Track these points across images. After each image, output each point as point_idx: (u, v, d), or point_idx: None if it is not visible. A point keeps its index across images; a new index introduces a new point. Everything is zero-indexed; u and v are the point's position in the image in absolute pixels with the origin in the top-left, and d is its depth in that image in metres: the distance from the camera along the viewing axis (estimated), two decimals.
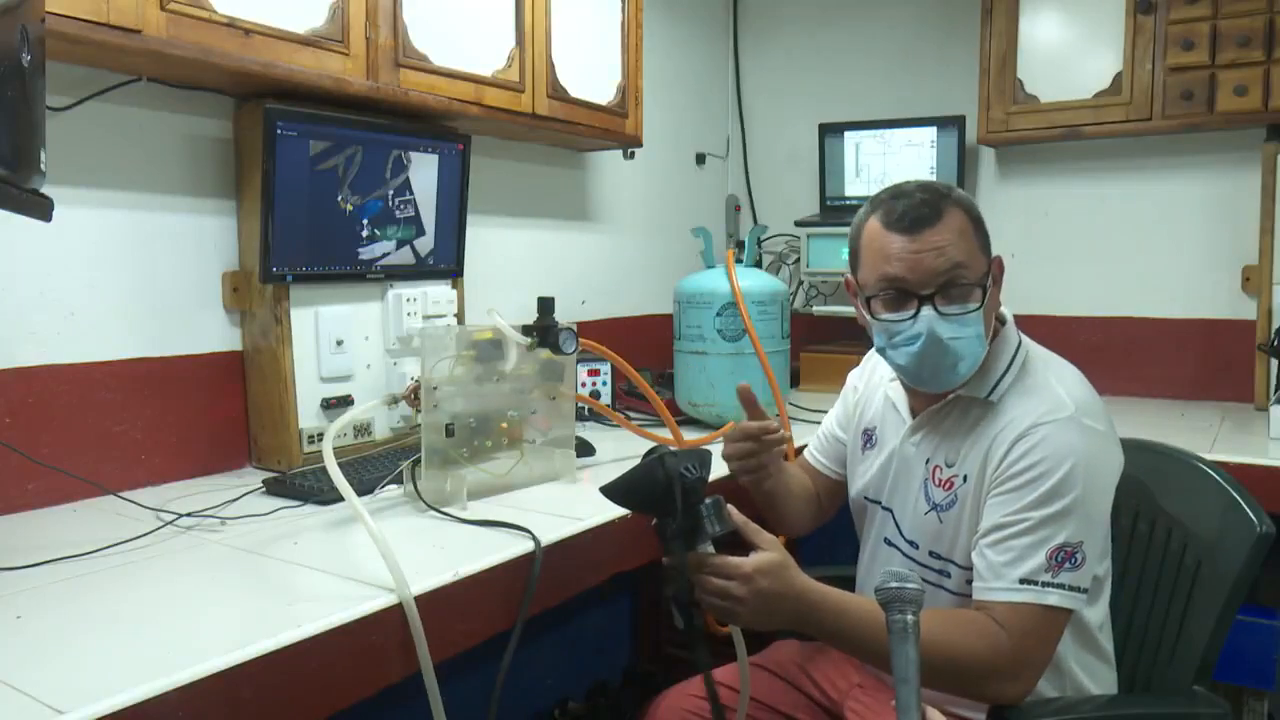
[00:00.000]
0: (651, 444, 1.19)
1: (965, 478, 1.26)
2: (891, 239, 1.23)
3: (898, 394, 1.41)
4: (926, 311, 1.22)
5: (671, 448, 1.11)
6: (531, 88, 2.05)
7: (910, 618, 0.86)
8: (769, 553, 1.11)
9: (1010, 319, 1.33)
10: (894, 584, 0.88)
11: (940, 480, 1.30)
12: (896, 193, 1.26)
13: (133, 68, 1.52)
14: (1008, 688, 1.14)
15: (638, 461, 1.12)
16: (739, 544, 1.13)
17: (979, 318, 1.23)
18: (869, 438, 1.47)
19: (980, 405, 1.28)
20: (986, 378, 1.28)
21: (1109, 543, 1.27)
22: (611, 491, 1.13)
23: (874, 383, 1.50)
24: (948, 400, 1.32)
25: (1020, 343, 1.31)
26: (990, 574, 1.17)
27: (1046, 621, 1.15)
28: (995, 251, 1.28)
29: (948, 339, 1.22)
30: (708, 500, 1.09)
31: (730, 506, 1.12)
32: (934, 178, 2.76)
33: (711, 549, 1.11)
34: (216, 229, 1.72)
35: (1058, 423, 1.19)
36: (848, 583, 1.54)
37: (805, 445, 1.68)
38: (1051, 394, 1.23)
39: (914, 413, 1.37)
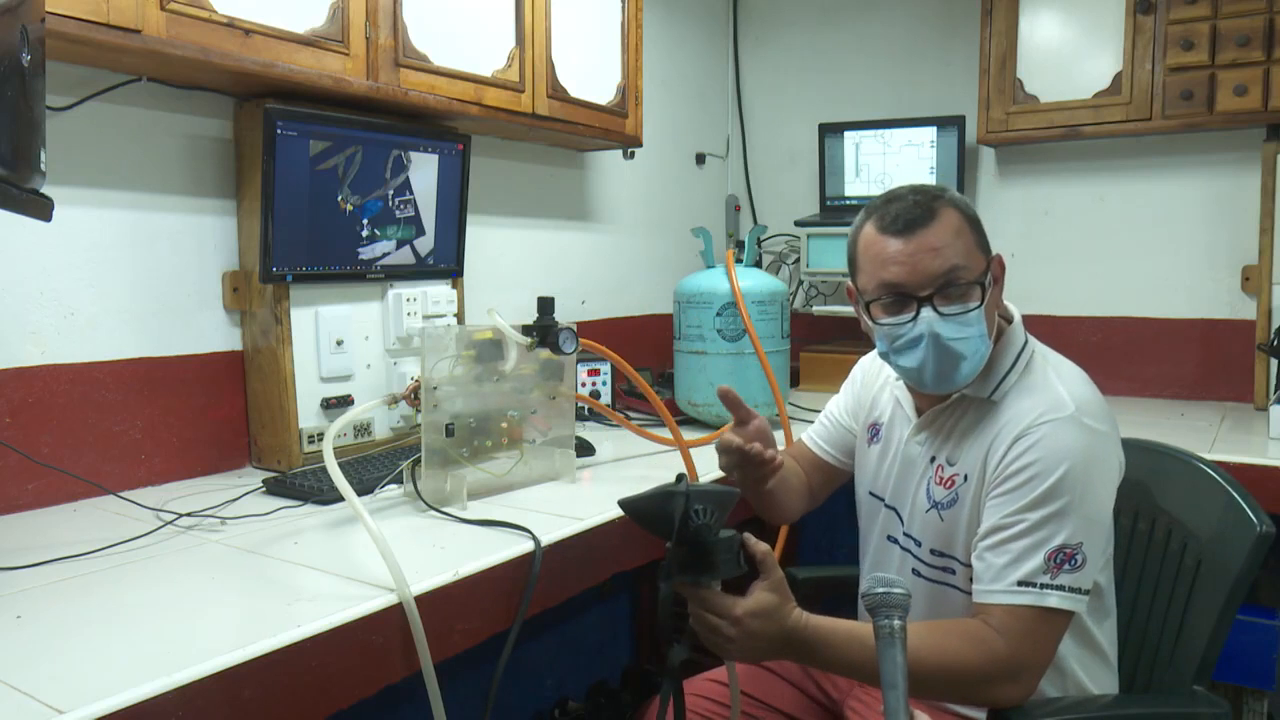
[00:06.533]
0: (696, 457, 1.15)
1: (966, 477, 1.26)
2: (887, 242, 1.23)
3: (903, 393, 1.41)
4: (926, 313, 1.21)
5: (699, 484, 1.08)
6: (531, 88, 2.05)
7: (896, 623, 0.86)
8: (764, 595, 1.09)
9: (1018, 317, 1.33)
10: (880, 589, 0.88)
11: (942, 479, 1.30)
12: (890, 197, 1.27)
13: (133, 68, 1.52)
14: (1006, 692, 1.14)
15: (667, 481, 1.09)
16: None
17: (980, 316, 1.22)
18: (875, 432, 1.47)
19: (984, 404, 1.28)
20: (990, 377, 1.28)
21: (1112, 544, 1.27)
22: (627, 506, 1.12)
23: (883, 377, 1.49)
24: (952, 400, 1.31)
25: (1026, 341, 1.31)
26: (989, 576, 1.17)
27: (1046, 624, 1.14)
28: (995, 251, 1.28)
29: (948, 339, 1.21)
30: (724, 538, 1.07)
31: (750, 538, 1.10)
32: (934, 178, 2.77)
33: (717, 585, 1.10)
34: (216, 229, 1.72)
35: (1057, 422, 1.18)
36: (848, 582, 1.55)
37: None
38: (1052, 392, 1.22)
39: (919, 412, 1.37)
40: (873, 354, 1.56)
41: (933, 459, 1.33)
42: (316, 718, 1.02)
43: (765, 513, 1.52)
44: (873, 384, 1.51)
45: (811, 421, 1.64)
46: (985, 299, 1.23)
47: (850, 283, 1.34)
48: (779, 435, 1.98)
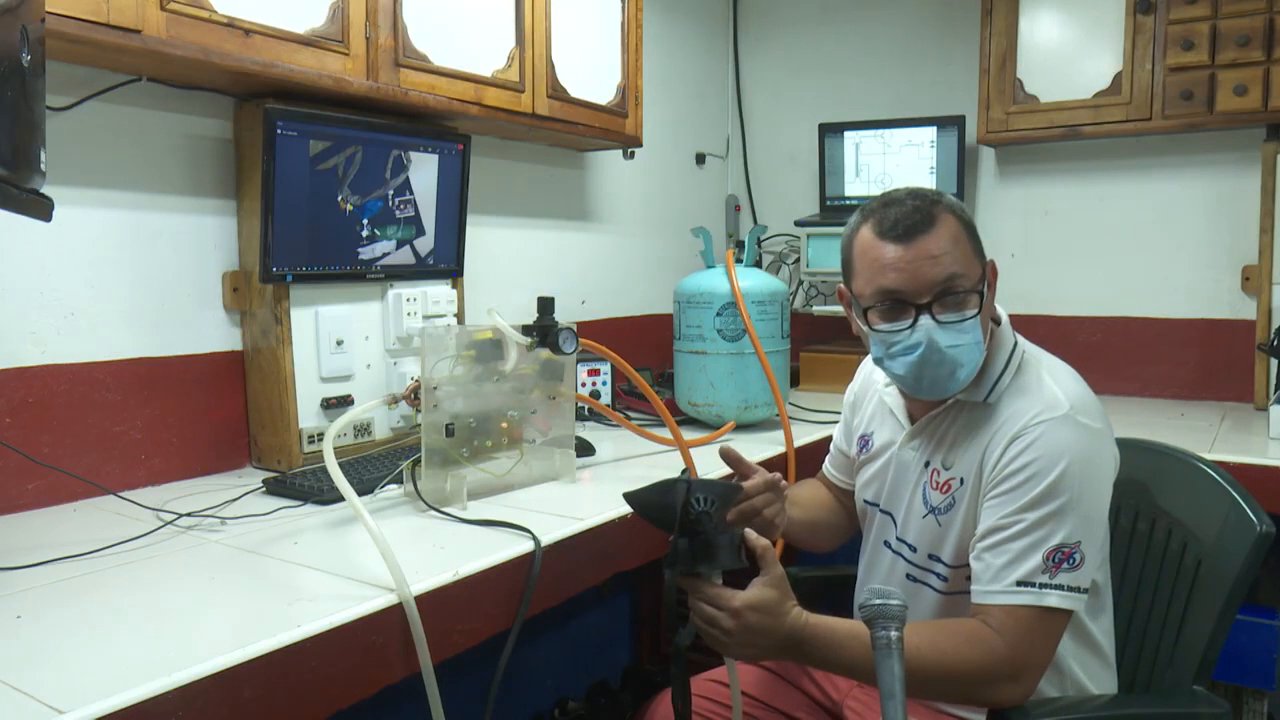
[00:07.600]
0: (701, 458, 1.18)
1: (962, 480, 1.26)
2: (885, 248, 1.21)
3: (895, 400, 1.41)
4: (924, 321, 1.21)
5: (702, 477, 1.10)
6: (531, 88, 2.05)
7: (894, 634, 0.86)
8: (764, 589, 1.09)
9: (1006, 319, 1.33)
10: (877, 601, 0.88)
11: (938, 484, 1.30)
12: (887, 200, 1.25)
13: (133, 68, 1.52)
14: (1006, 692, 1.14)
15: (669, 476, 1.11)
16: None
17: (976, 324, 1.22)
18: (865, 443, 1.47)
19: (978, 407, 1.28)
20: (985, 380, 1.28)
21: (1108, 541, 1.27)
22: (631, 499, 1.13)
23: (869, 390, 1.50)
24: (947, 405, 1.31)
25: (1016, 343, 1.31)
26: (987, 577, 1.17)
27: (1045, 623, 1.14)
28: (994, 253, 1.28)
29: (946, 347, 1.21)
30: (726, 533, 1.08)
31: (751, 533, 1.11)
32: (934, 178, 2.77)
33: (718, 578, 1.10)
34: (216, 229, 1.72)
35: (1052, 421, 1.18)
36: (848, 582, 1.55)
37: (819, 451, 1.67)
38: (1046, 393, 1.22)
39: (912, 418, 1.37)
40: (856, 375, 1.57)
41: (927, 464, 1.33)
42: (316, 718, 1.02)
43: (804, 545, 1.54)
44: (859, 403, 1.53)
45: (811, 421, 1.64)
46: (982, 306, 1.23)
47: (843, 285, 1.33)
48: (779, 435, 1.99)
